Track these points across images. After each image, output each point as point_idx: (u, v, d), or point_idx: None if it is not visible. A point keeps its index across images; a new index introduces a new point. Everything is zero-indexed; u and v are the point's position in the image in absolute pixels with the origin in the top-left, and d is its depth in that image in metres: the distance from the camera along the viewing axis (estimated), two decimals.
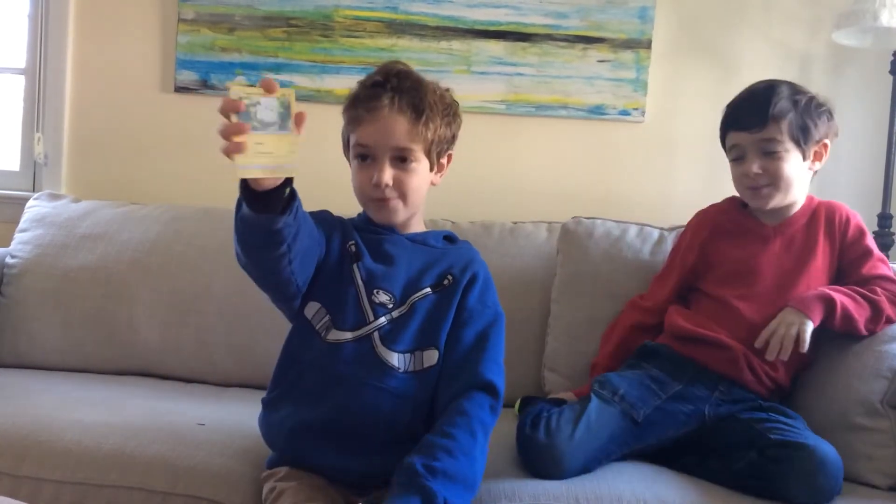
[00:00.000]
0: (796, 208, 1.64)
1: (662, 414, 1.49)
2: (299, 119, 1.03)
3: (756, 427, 1.43)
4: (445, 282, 1.35)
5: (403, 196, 1.34)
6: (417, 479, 1.14)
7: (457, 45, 2.30)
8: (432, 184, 1.41)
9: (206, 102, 2.33)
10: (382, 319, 1.30)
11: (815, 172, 1.65)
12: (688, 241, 1.72)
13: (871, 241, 1.64)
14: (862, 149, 2.32)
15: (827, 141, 1.61)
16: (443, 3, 2.30)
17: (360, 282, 1.32)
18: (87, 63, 2.36)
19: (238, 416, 1.60)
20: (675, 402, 1.51)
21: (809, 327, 1.51)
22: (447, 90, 1.40)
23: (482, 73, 2.31)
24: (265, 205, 1.09)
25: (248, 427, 1.47)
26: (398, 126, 1.31)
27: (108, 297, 1.97)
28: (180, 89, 2.33)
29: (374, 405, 1.27)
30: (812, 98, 1.60)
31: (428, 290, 1.34)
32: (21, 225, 2.12)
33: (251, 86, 1.01)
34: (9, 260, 2.05)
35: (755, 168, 1.57)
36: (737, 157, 1.62)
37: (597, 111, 2.29)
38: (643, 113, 2.30)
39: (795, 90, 1.60)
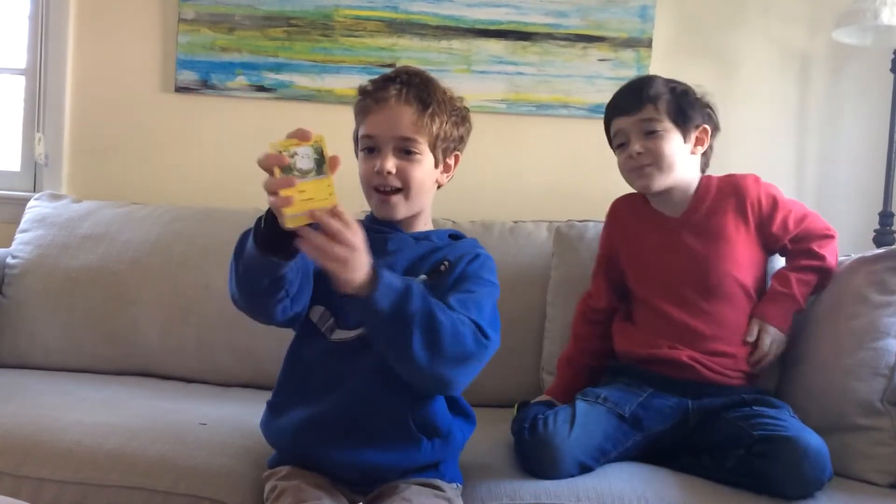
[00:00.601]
0: (690, 192, 1.65)
1: (646, 408, 1.51)
2: (333, 163, 1.05)
3: (741, 425, 1.44)
4: (441, 267, 1.33)
5: (406, 187, 1.33)
6: (409, 280, 1.16)
7: (457, 44, 2.30)
8: (438, 184, 1.41)
9: (206, 102, 2.34)
10: None
11: (705, 157, 1.68)
12: (604, 234, 1.78)
13: (784, 202, 1.65)
14: (863, 147, 2.32)
15: (707, 126, 1.64)
16: (443, 2, 2.30)
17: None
18: (88, 63, 2.36)
19: (239, 416, 1.60)
20: (655, 398, 1.53)
21: (783, 343, 1.61)
22: (460, 98, 1.43)
23: (483, 72, 2.31)
24: (273, 249, 1.11)
25: (249, 427, 1.47)
26: (404, 117, 1.32)
27: (109, 298, 1.97)
28: (181, 89, 2.33)
29: (376, 401, 1.26)
30: (688, 89, 1.64)
31: (424, 276, 1.32)
32: (22, 225, 2.12)
33: (286, 139, 1.05)
34: (10, 260, 2.05)
35: (637, 147, 1.60)
36: (621, 144, 1.65)
37: (597, 110, 2.28)
38: None
39: (672, 81, 1.65)
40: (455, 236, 1.44)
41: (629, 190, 1.70)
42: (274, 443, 1.36)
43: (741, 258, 1.62)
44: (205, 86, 2.33)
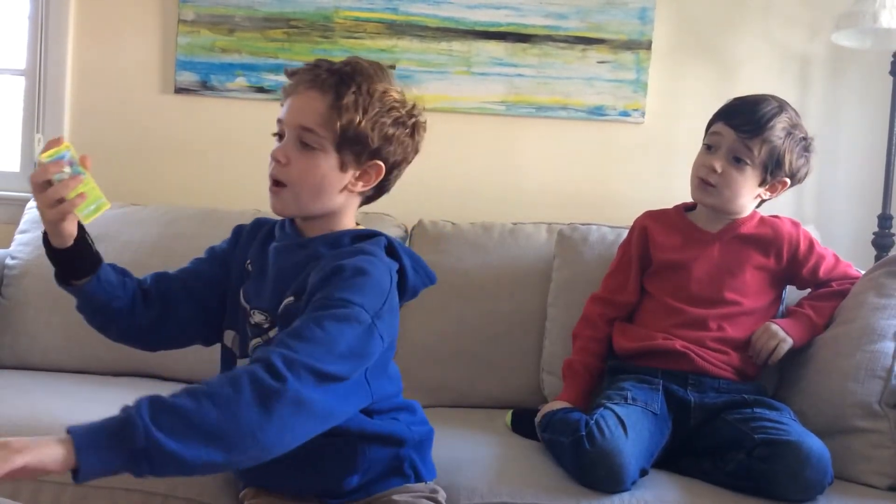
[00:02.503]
0: (734, 217, 1.68)
1: (667, 402, 1.52)
2: (84, 162, 1.12)
3: (742, 428, 1.44)
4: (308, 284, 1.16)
5: (293, 184, 1.19)
6: (128, 410, 0.94)
7: (457, 45, 2.30)
8: (348, 190, 1.22)
9: (206, 104, 2.34)
10: (259, 340, 1.22)
11: (763, 201, 1.69)
12: (634, 237, 1.76)
13: (819, 250, 1.69)
14: (862, 150, 2.33)
15: (788, 181, 1.64)
16: (443, 4, 2.30)
17: (244, 304, 1.26)
18: (88, 64, 2.35)
19: None
20: (667, 390, 1.54)
21: (787, 346, 1.60)
22: (414, 104, 1.25)
23: (482, 74, 2.31)
24: (73, 268, 1.19)
25: None
26: (311, 105, 1.19)
27: None
28: (180, 90, 2.33)
29: None
30: (805, 138, 1.64)
31: (291, 298, 1.17)
32: (21, 226, 2.12)
33: (44, 152, 1.12)
34: (9, 261, 2.05)
35: (718, 165, 1.61)
36: (710, 146, 1.65)
37: (597, 112, 2.29)
38: (643, 114, 2.30)
39: (795, 124, 1.63)
40: (361, 236, 1.24)
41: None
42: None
43: (754, 288, 1.65)
44: (204, 87, 2.33)
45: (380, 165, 1.23)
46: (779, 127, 1.59)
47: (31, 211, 2.13)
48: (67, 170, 1.10)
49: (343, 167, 1.21)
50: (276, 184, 1.21)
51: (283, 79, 1.28)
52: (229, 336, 1.28)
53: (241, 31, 2.31)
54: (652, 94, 2.29)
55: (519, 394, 1.85)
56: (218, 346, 1.32)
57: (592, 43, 2.30)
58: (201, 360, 1.95)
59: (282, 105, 1.24)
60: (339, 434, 1.13)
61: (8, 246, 2.10)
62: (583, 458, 1.36)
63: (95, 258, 1.22)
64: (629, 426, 1.40)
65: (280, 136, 1.23)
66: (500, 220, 2.11)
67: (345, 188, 1.22)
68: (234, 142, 2.33)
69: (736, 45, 2.32)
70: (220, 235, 2.02)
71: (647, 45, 2.29)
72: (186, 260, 2.02)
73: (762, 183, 1.63)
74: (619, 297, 1.73)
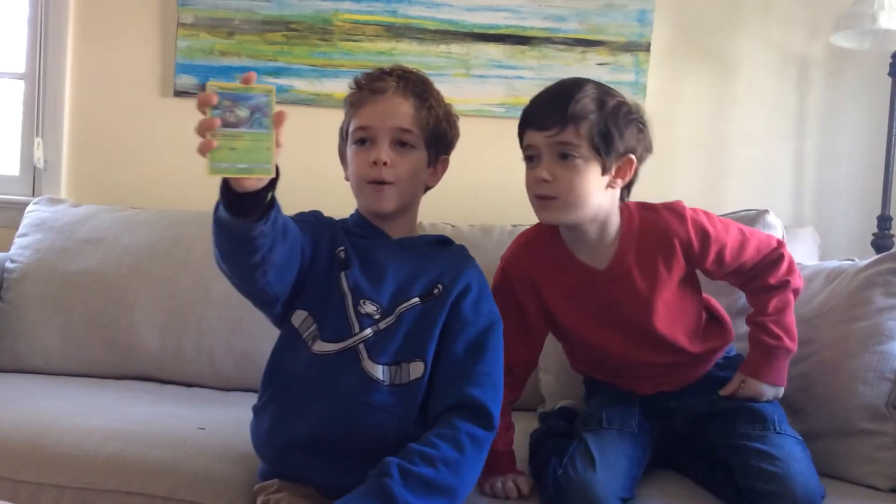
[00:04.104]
0: (608, 231, 1.43)
1: (646, 416, 1.47)
2: (279, 119, 0.99)
3: (729, 462, 1.37)
4: (436, 291, 1.29)
5: (400, 181, 1.30)
6: (383, 480, 1.11)
7: (456, 48, 2.31)
8: (427, 186, 1.37)
9: None
10: (368, 331, 1.25)
11: (624, 190, 1.45)
12: (519, 288, 1.47)
13: (716, 235, 1.44)
14: (861, 151, 2.33)
15: (633, 156, 1.39)
16: (442, 6, 2.30)
17: (347, 291, 1.28)
18: (87, 67, 2.36)
19: (239, 421, 1.59)
20: (646, 403, 1.49)
21: (779, 393, 1.48)
22: (450, 103, 1.41)
23: (481, 76, 2.31)
24: (242, 209, 1.05)
25: (248, 432, 1.46)
26: (402, 108, 1.30)
27: (109, 302, 1.97)
28: (180, 93, 2.33)
29: (359, 420, 1.22)
30: (622, 103, 1.39)
31: (416, 299, 1.28)
32: (21, 230, 2.11)
33: (229, 82, 0.99)
34: (8, 265, 2.05)
35: (545, 173, 1.36)
36: (530, 158, 1.42)
37: None
38: None
39: (604, 91, 1.38)
40: (443, 242, 1.40)
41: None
42: (260, 454, 1.34)
43: (676, 297, 1.45)
44: (204, 90, 2.32)
45: (447, 160, 1.39)
46: (585, 104, 1.34)
47: (31, 214, 2.14)
48: (243, 113, 0.96)
49: (428, 164, 1.35)
50: (381, 183, 1.29)
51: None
52: (300, 316, 1.27)
53: (241, 34, 2.31)
54: (651, 96, 2.29)
55: None
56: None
57: (591, 45, 2.30)
58: (200, 364, 1.95)
59: (352, 115, 1.33)
60: (391, 444, 1.20)
61: (7, 249, 2.10)
62: (557, 490, 1.32)
63: (268, 205, 1.09)
64: (602, 460, 1.33)
65: (363, 141, 1.31)
66: (499, 222, 2.11)
67: (424, 183, 1.36)
68: None
69: (735, 47, 2.32)
70: None
71: (646, 47, 2.29)
72: (187, 263, 2.04)
73: (604, 171, 1.36)
74: (523, 357, 1.48)
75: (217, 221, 1.10)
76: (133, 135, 2.35)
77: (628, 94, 1.44)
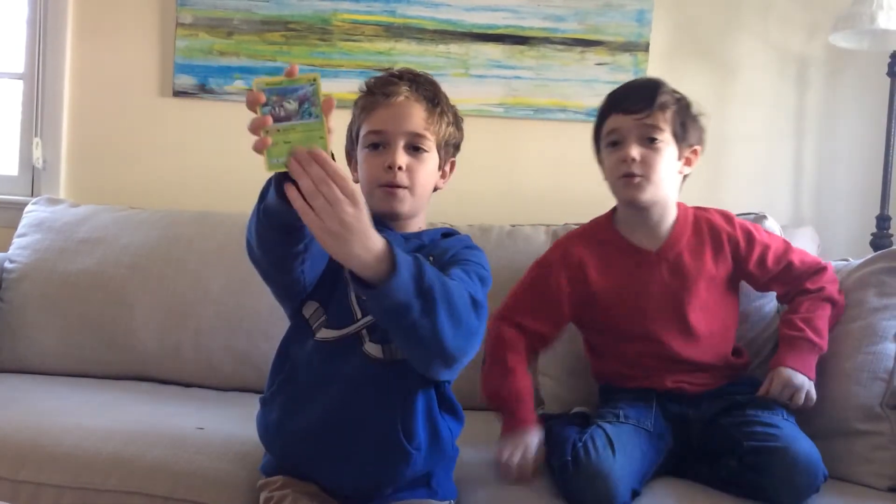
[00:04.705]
0: (667, 217, 1.57)
1: (664, 418, 1.49)
2: (327, 105, 0.99)
3: (734, 434, 1.41)
4: (429, 259, 1.26)
5: (413, 186, 1.30)
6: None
7: (455, 48, 2.31)
8: (436, 187, 1.38)
9: (204, 107, 2.34)
10: (370, 317, 1.25)
11: (685, 177, 1.60)
12: (563, 270, 1.59)
13: (761, 239, 1.59)
14: (860, 151, 2.33)
15: (698, 148, 1.57)
16: (440, 6, 2.30)
17: (349, 279, 1.26)
18: (86, 67, 2.36)
19: (237, 421, 1.60)
20: (663, 408, 1.51)
21: (808, 388, 1.48)
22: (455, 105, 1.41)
23: (480, 76, 2.31)
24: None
25: (247, 431, 1.46)
26: (415, 112, 1.30)
27: (107, 302, 1.97)
28: (179, 93, 2.33)
29: (361, 402, 1.23)
30: (691, 103, 1.57)
31: None
32: (19, 230, 2.12)
33: (274, 77, 0.99)
34: (7, 265, 2.05)
35: (634, 153, 1.49)
36: (614, 142, 1.54)
37: (595, 114, 2.29)
38: None
39: (677, 91, 1.57)
40: (447, 234, 1.41)
41: None
42: (266, 446, 1.34)
43: (715, 294, 1.56)
44: (202, 90, 2.33)
45: (454, 161, 1.40)
46: (667, 94, 1.53)
47: (30, 214, 2.14)
48: (291, 106, 0.97)
49: (439, 167, 1.36)
50: (396, 187, 1.29)
51: None
52: (311, 307, 1.28)
53: (239, 34, 2.31)
54: None
55: None
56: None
57: (590, 45, 2.30)
58: (200, 364, 1.96)
59: (363, 119, 1.32)
60: (395, 431, 1.21)
61: (6, 250, 2.10)
62: (569, 484, 1.34)
63: None
64: (619, 446, 1.35)
65: (375, 145, 1.30)
66: (498, 222, 2.11)
67: (433, 186, 1.36)
68: (233, 145, 2.33)
69: (734, 47, 2.33)
70: (218, 238, 2.04)
71: (645, 47, 2.29)
72: (185, 263, 2.04)
73: (679, 157, 1.54)
74: (542, 329, 1.57)
75: (264, 210, 1.10)
76: (132, 135, 2.36)
77: None
